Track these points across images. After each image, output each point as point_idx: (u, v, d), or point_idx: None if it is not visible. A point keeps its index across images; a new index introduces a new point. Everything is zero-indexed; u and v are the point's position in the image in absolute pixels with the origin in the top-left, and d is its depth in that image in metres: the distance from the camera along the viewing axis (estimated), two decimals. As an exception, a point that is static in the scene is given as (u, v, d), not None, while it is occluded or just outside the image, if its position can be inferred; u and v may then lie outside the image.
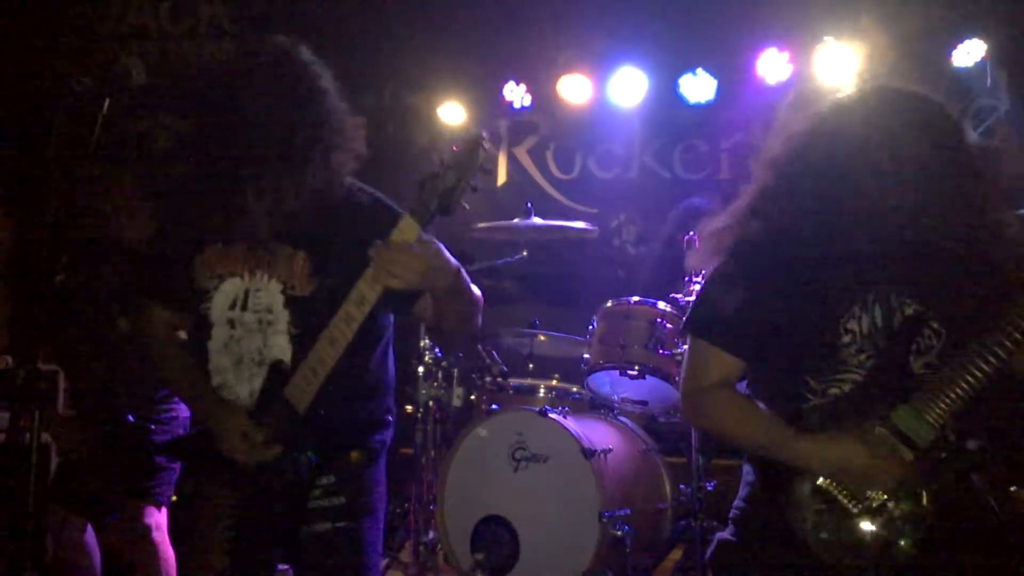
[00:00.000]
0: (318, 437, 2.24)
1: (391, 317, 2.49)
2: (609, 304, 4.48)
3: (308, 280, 2.31)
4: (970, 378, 1.92)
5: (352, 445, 2.37)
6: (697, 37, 5.96)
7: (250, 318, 2.32)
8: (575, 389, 4.63)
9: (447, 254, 2.12)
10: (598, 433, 4.16)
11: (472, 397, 4.76)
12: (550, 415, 4.00)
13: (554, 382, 4.61)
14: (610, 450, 4.00)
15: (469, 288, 2.30)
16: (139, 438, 3.39)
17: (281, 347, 2.31)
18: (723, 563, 2.17)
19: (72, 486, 3.45)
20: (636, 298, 4.41)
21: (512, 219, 4.85)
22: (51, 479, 3.57)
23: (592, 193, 6.65)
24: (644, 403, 4.57)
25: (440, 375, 4.67)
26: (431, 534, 4.44)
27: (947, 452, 1.97)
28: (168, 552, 3.44)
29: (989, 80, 5.65)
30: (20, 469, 2.42)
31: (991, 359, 1.91)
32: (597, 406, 4.66)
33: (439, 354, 4.68)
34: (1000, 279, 1.98)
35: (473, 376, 4.74)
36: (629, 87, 6.11)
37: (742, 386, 2.28)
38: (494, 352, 4.70)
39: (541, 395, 4.53)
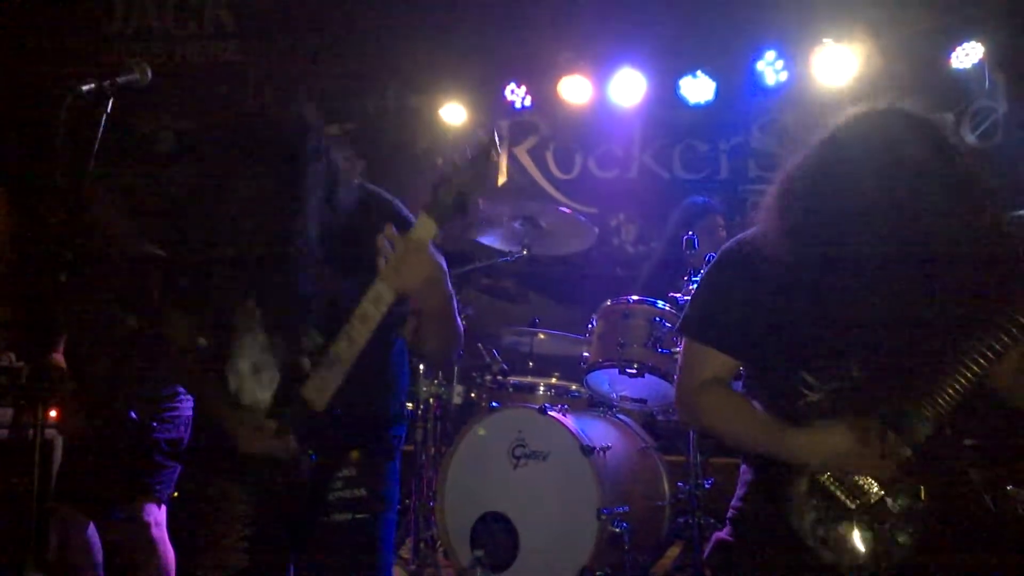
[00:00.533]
0: (334, 434, 2.26)
1: (406, 310, 2.48)
2: (608, 303, 4.50)
3: (325, 284, 2.31)
4: (968, 374, 1.93)
5: (367, 442, 2.39)
6: (697, 39, 5.99)
7: (270, 324, 2.33)
8: (574, 387, 4.65)
9: (446, 274, 2.15)
10: (597, 431, 4.17)
11: (472, 395, 4.77)
12: (549, 413, 4.02)
13: (554, 380, 4.63)
14: (609, 448, 4.02)
15: (456, 316, 2.33)
16: (142, 436, 3.41)
17: (301, 348, 2.32)
18: (721, 563, 2.19)
19: (78, 483, 3.46)
20: (635, 297, 4.43)
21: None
22: (56, 476, 3.59)
23: (592, 193, 6.68)
24: (643, 401, 4.58)
25: (440, 372, 4.69)
26: (431, 530, 4.46)
27: (944, 448, 1.98)
28: (168, 550, 3.44)
29: (987, 82, 5.68)
30: (23, 466, 2.43)
31: (989, 355, 1.92)
32: (596, 404, 4.68)
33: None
34: (997, 277, 2.00)
35: (473, 374, 4.76)
36: (629, 88, 6.14)
37: (739, 386, 2.31)
38: (494, 350, 4.72)
39: (541, 393, 4.55)
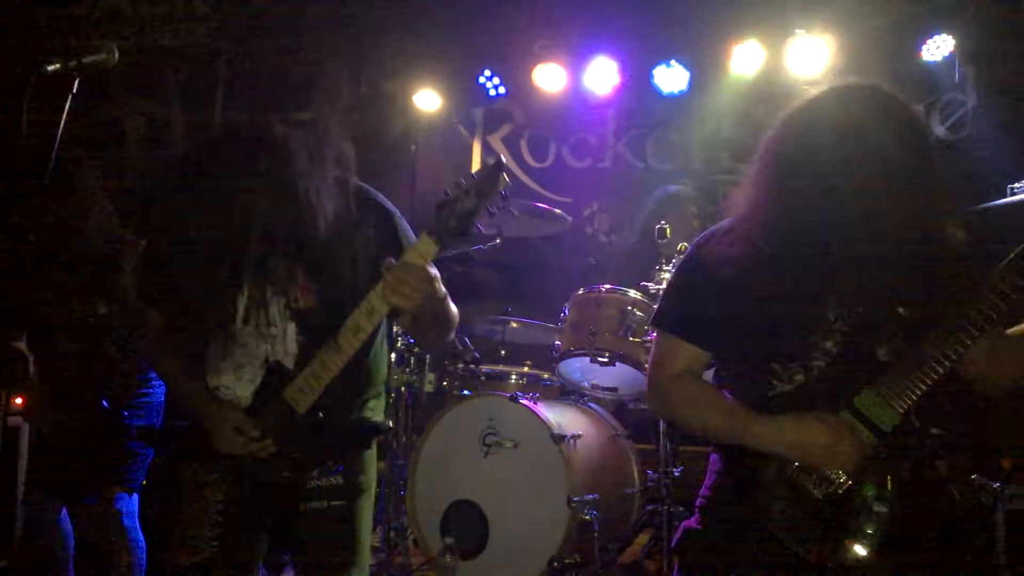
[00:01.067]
0: (315, 437, 2.27)
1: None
2: (581, 292, 4.51)
3: (309, 292, 2.31)
4: (936, 365, 1.94)
5: (349, 445, 2.40)
6: (671, 28, 5.99)
7: (253, 330, 2.32)
8: (546, 376, 4.66)
9: (440, 280, 2.16)
10: (568, 419, 4.19)
11: (444, 383, 4.76)
12: (521, 401, 4.03)
13: (526, 368, 4.65)
14: (579, 436, 4.04)
15: (450, 308, 2.35)
16: (114, 423, 3.37)
17: (284, 352, 2.32)
18: (688, 550, 2.20)
19: (49, 470, 3.43)
20: (607, 286, 4.44)
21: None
22: (27, 463, 3.54)
23: (565, 181, 6.69)
24: (614, 390, 4.60)
25: (412, 360, 4.68)
26: (401, 518, 4.46)
27: (911, 438, 1.99)
28: (138, 537, 3.42)
29: (957, 75, 5.74)
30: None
31: (957, 347, 1.93)
32: (568, 392, 4.70)
33: (411, 340, 4.70)
34: (965, 269, 2.02)
35: (445, 362, 4.75)
36: (603, 77, 6.14)
37: (710, 375, 2.32)
38: (466, 338, 4.72)
39: (512, 381, 4.56)
